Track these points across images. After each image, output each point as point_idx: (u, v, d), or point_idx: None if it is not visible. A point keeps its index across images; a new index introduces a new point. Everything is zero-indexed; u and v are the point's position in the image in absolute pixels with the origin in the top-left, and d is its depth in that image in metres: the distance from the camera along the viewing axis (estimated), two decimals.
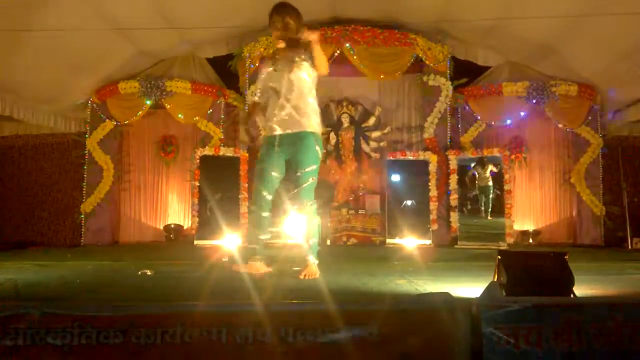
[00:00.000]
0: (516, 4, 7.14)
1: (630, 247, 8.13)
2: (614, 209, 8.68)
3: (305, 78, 3.59)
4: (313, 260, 3.77)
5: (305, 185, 3.65)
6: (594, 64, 8.10)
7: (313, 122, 3.63)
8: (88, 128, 8.89)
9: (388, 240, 8.20)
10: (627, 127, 9.28)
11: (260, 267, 3.79)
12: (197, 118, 8.74)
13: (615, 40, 7.20)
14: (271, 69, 3.69)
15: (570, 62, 8.22)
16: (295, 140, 3.61)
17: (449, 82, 8.61)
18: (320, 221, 3.82)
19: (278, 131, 3.63)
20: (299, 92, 3.58)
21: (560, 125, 8.90)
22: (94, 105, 8.84)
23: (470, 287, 3.15)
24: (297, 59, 3.56)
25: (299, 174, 3.64)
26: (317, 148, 3.62)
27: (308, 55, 3.55)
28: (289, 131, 3.61)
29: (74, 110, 9.05)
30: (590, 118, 8.76)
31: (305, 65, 3.57)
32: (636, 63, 7.40)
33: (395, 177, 8.54)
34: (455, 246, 8.04)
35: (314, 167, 3.64)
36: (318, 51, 3.50)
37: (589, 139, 8.79)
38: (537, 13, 7.02)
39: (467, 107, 8.86)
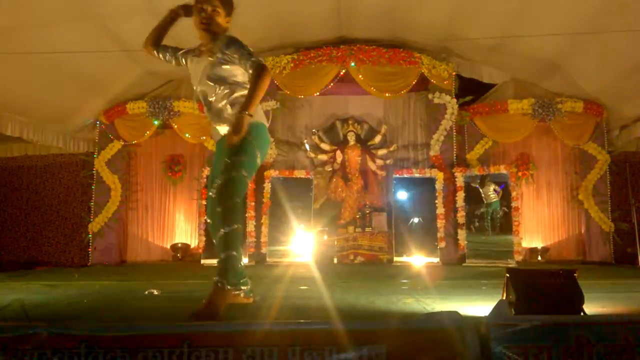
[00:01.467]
0: (520, 22, 7.19)
1: None
2: (623, 226, 8.61)
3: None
4: (221, 285, 2.82)
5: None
6: (600, 80, 8.11)
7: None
8: (96, 148, 8.97)
9: (395, 259, 8.15)
10: (634, 143, 9.25)
11: (243, 299, 3.16)
12: (204, 137, 8.81)
13: (620, 57, 7.22)
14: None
15: (575, 78, 8.24)
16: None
17: (454, 100, 8.63)
18: (238, 228, 2.90)
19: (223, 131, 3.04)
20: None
21: (566, 142, 8.88)
22: (102, 125, 8.94)
23: (479, 306, 3.13)
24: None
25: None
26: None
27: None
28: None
29: (83, 130, 9.16)
30: (596, 134, 8.74)
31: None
32: None
33: (402, 195, 8.52)
34: (463, 264, 7.98)
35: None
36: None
37: (596, 155, 8.77)
38: (541, 31, 7.06)
39: (473, 125, 8.87)
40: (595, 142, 8.78)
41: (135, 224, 9.35)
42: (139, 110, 8.69)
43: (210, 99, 3.02)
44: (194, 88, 3.13)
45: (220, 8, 3.03)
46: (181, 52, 3.33)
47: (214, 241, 3.03)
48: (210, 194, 2.95)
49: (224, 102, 2.98)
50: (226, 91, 2.99)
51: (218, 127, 3.04)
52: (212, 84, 3.01)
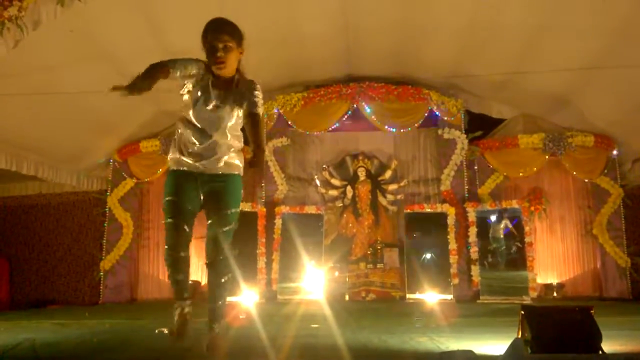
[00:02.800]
0: (528, 58, 7.26)
1: None
2: (639, 260, 8.45)
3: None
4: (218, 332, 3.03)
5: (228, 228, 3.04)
6: (610, 114, 8.11)
7: None
8: (109, 186, 9.07)
9: (408, 295, 8.03)
10: None
11: None
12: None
13: (630, 91, 7.23)
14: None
15: (585, 113, 8.26)
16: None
17: (464, 135, 8.67)
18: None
19: None
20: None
21: (578, 176, 8.83)
22: (116, 163, 9.06)
23: (494, 345, 3.06)
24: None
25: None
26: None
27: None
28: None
29: (96, 168, 9.28)
30: (608, 168, 8.69)
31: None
32: None
33: (414, 230, 8.47)
34: (477, 301, 7.84)
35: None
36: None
37: (609, 189, 8.68)
38: (549, 67, 7.13)
39: (484, 160, 8.86)
40: (607, 175, 8.70)
41: (147, 261, 9.35)
42: (152, 149, 8.81)
43: (212, 133, 2.84)
44: (190, 112, 2.90)
45: (232, 42, 2.83)
46: (184, 72, 2.91)
47: (173, 270, 3.12)
48: (186, 227, 3.06)
49: (224, 145, 2.86)
50: (234, 135, 2.91)
51: (196, 161, 2.86)
52: (226, 124, 2.87)
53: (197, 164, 2.85)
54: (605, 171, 8.68)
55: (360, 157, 9.06)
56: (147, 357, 2.97)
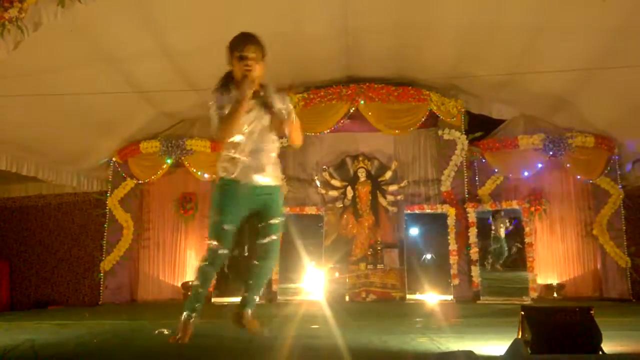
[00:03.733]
0: (528, 58, 7.26)
1: None
2: None
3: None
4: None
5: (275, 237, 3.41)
6: (610, 115, 8.12)
7: None
8: (109, 187, 9.07)
9: (408, 296, 8.03)
10: None
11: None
12: (215, 175, 8.87)
13: (630, 92, 7.23)
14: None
15: (585, 113, 8.26)
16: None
17: (464, 136, 8.68)
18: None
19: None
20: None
21: (578, 177, 8.83)
22: (116, 164, 9.06)
23: (494, 345, 3.06)
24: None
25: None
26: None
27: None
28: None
29: (96, 169, 9.29)
30: (609, 169, 8.69)
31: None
32: None
33: (414, 231, 8.47)
34: (478, 301, 7.84)
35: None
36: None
37: (609, 190, 8.68)
38: (550, 67, 7.12)
39: (484, 160, 8.87)
40: (608, 176, 8.70)
41: (147, 262, 9.36)
42: (152, 149, 8.81)
43: (262, 145, 3.16)
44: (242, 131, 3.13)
45: (259, 52, 3.10)
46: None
47: (201, 283, 3.33)
48: (229, 227, 3.22)
49: (272, 153, 3.21)
50: (275, 143, 3.24)
51: (255, 175, 3.15)
52: (270, 134, 3.18)
53: (246, 174, 3.13)
54: (606, 172, 8.68)
55: (361, 158, 9.06)
56: (147, 358, 2.97)
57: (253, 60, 3.04)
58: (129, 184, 9.02)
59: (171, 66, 7.30)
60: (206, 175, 8.91)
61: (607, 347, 2.64)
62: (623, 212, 8.65)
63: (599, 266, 8.74)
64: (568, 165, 8.61)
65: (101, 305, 8.32)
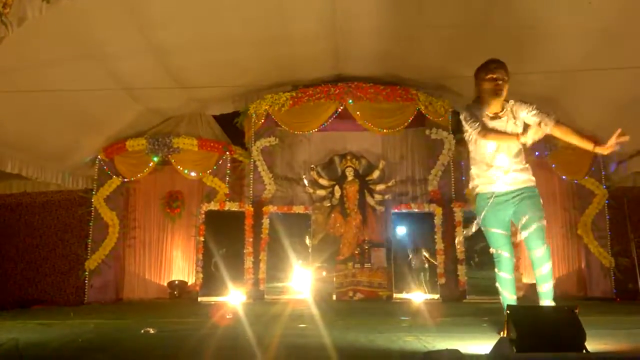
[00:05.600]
0: (515, 59, 7.27)
1: None
2: (623, 261, 8.55)
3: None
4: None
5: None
6: (596, 115, 8.19)
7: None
8: (95, 185, 8.98)
9: (395, 295, 8.05)
10: (631, 178, 9.27)
11: None
12: (202, 173, 8.84)
13: (615, 93, 7.33)
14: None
15: (571, 114, 8.32)
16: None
17: (452, 136, 8.72)
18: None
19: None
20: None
21: (564, 177, 8.91)
22: (102, 162, 8.98)
23: (480, 344, 3.08)
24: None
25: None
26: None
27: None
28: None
29: (82, 167, 9.19)
30: (593, 169, 8.78)
31: None
32: (636, 115, 7.49)
33: (401, 230, 8.49)
34: (464, 300, 7.88)
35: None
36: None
37: (594, 190, 8.78)
38: (536, 68, 7.18)
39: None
40: (592, 177, 8.81)
41: (133, 261, 9.29)
42: (138, 147, 8.74)
43: (510, 157, 3.63)
44: (486, 148, 3.68)
45: (507, 76, 3.61)
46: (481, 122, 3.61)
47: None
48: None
49: (519, 164, 3.68)
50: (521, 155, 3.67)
51: (504, 184, 3.64)
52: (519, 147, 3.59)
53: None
54: (591, 172, 8.77)
55: (349, 157, 9.07)
56: (133, 357, 2.95)
57: (503, 82, 3.58)
58: (115, 182, 8.93)
59: (158, 63, 7.26)
60: (193, 174, 8.87)
61: (591, 345, 2.67)
62: (607, 212, 8.76)
63: (583, 266, 8.84)
64: (553, 165, 8.69)
65: (86, 305, 8.24)
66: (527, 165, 3.76)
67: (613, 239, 8.72)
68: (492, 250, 3.75)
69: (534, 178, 3.76)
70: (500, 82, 3.56)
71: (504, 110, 3.65)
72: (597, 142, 3.61)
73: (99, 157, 8.99)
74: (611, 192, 8.85)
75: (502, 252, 3.71)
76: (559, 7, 6.04)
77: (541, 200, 3.73)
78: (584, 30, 6.28)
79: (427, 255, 8.28)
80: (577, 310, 2.80)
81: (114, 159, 8.92)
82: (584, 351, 2.59)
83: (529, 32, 6.61)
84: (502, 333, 3.07)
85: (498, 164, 3.64)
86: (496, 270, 3.75)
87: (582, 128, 8.47)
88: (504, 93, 3.60)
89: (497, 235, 3.72)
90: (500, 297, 3.76)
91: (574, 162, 8.71)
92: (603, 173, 8.88)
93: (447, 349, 2.50)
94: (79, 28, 6.04)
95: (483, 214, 3.67)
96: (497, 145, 3.63)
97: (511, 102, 3.66)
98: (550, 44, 6.71)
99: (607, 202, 8.77)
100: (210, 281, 8.06)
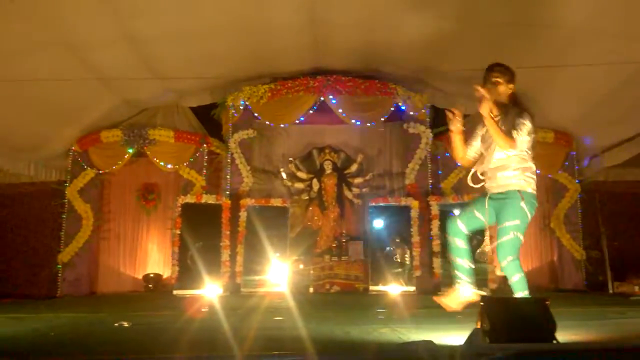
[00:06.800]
0: (493, 54, 7.31)
1: (611, 291, 8.16)
2: (594, 253, 8.75)
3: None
4: None
5: (504, 239, 3.63)
6: (569, 111, 8.34)
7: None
8: (68, 177, 8.81)
9: (371, 287, 8.12)
10: (603, 173, 9.47)
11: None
12: (179, 165, 8.74)
13: (588, 89, 7.45)
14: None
15: (546, 110, 8.45)
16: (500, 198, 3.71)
17: (429, 130, 8.78)
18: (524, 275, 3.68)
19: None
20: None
21: (537, 171, 9.05)
22: (76, 153, 8.80)
23: (454, 335, 3.12)
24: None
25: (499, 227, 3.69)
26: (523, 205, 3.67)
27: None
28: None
29: (55, 158, 9.00)
30: (567, 164, 8.95)
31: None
32: (609, 111, 7.66)
33: (378, 223, 8.54)
34: (439, 293, 7.95)
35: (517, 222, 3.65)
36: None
37: (567, 185, 8.95)
38: (513, 63, 7.23)
39: (447, 154, 8.99)
40: (565, 171, 8.97)
41: (107, 254, 9.15)
42: (113, 139, 8.60)
43: (501, 161, 3.71)
44: (482, 150, 3.83)
45: (501, 78, 3.70)
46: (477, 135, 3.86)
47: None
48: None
49: (511, 167, 3.72)
50: (516, 159, 3.72)
51: (492, 185, 3.74)
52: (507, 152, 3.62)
53: None
54: (564, 167, 8.93)
55: (327, 150, 9.07)
56: (106, 351, 2.91)
57: (494, 84, 3.70)
58: (89, 173, 8.78)
59: (134, 53, 7.12)
60: (169, 166, 8.77)
61: (561, 336, 2.72)
62: (579, 206, 8.95)
63: (555, 258, 9.01)
64: None
65: (59, 298, 8.11)
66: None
67: (585, 233, 8.91)
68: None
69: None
70: (489, 86, 3.68)
71: (500, 112, 3.70)
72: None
73: (72, 148, 8.82)
74: (583, 187, 9.03)
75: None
76: (536, 3, 6.11)
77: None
78: (561, 26, 6.35)
79: (403, 248, 8.35)
80: (548, 302, 2.85)
81: (89, 151, 8.76)
82: (555, 342, 2.64)
83: (507, 29, 6.66)
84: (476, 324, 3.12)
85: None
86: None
87: (555, 124, 8.69)
88: (497, 95, 3.69)
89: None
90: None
91: (548, 157, 8.84)
92: (576, 167, 9.05)
93: (421, 340, 2.52)
94: (50, 15, 5.89)
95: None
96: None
97: (515, 109, 3.70)
98: (526, 40, 6.78)
99: (579, 196, 8.95)
100: (186, 274, 8.00)
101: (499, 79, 3.68)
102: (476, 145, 3.87)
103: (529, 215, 3.63)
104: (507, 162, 3.68)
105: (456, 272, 3.76)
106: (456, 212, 8.49)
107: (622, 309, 5.33)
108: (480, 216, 3.77)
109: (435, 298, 3.86)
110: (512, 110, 3.65)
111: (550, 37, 6.60)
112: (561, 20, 6.23)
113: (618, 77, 6.87)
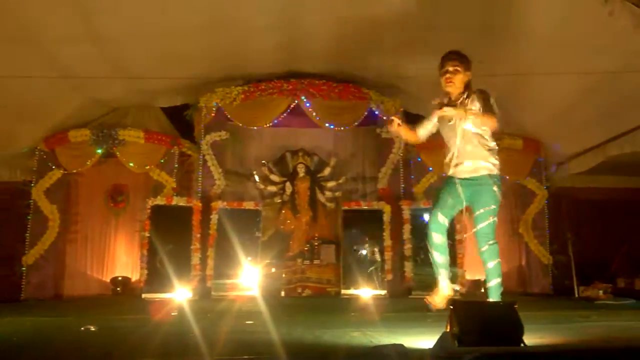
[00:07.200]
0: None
1: (577, 295, 8.35)
2: (561, 258, 8.94)
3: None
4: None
5: (483, 224, 3.68)
6: (537, 119, 8.52)
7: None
8: (34, 177, 8.57)
9: (343, 291, 8.13)
10: (569, 179, 9.69)
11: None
12: (149, 167, 8.60)
13: (556, 97, 7.62)
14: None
15: (515, 117, 8.62)
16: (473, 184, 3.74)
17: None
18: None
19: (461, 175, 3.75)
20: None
21: (506, 177, 9.22)
22: (42, 153, 8.58)
23: (424, 339, 3.14)
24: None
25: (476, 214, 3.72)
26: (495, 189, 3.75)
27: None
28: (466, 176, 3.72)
29: (20, 157, 8.75)
30: (535, 170, 9.14)
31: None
32: (575, 120, 7.85)
33: (350, 227, 8.57)
34: (410, 296, 8.04)
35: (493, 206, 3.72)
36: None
37: (535, 190, 9.14)
38: (484, 71, 7.35)
39: (420, 159, 9.08)
40: (533, 177, 9.16)
41: (74, 256, 8.93)
42: (81, 138, 8.41)
43: (467, 146, 3.75)
44: (447, 137, 3.87)
45: (460, 66, 3.77)
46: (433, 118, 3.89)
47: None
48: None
49: (478, 148, 3.74)
50: (483, 142, 3.76)
51: (460, 168, 3.77)
52: (472, 133, 3.70)
53: None
54: (532, 173, 9.12)
55: (300, 154, 9.06)
56: (72, 356, 2.84)
57: (453, 72, 3.76)
58: (56, 174, 8.56)
59: (102, 51, 6.97)
60: (139, 167, 8.61)
61: (529, 339, 2.77)
62: (547, 211, 9.14)
63: (523, 263, 9.18)
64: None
65: (23, 302, 7.88)
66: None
67: (551, 238, 9.09)
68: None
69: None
70: (449, 74, 3.73)
71: (462, 98, 3.75)
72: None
73: (38, 147, 8.59)
74: (551, 193, 9.23)
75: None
76: (506, 11, 6.22)
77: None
78: (529, 36, 6.49)
79: (375, 251, 8.40)
80: (516, 306, 2.90)
81: (56, 150, 8.55)
82: (522, 344, 2.69)
83: (479, 36, 6.77)
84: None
85: None
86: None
87: (524, 130, 8.86)
88: (457, 83, 3.75)
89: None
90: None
91: (516, 163, 9.02)
92: (544, 174, 9.24)
93: (392, 344, 2.53)
94: (13, 9, 5.72)
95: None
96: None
97: (474, 91, 3.77)
98: (498, 47, 6.90)
99: (546, 202, 9.15)
100: (155, 277, 7.88)
101: (458, 67, 3.74)
102: (428, 126, 3.97)
103: (500, 197, 3.78)
104: (475, 147, 3.74)
105: (435, 268, 3.84)
106: (426, 216, 8.60)
107: (587, 312, 5.47)
108: (455, 202, 3.79)
109: (425, 299, 3.90)
110: (472, 93, 3.73)
111: (519, 45, 6.73)
112: (529, 30, 6.37)
113: (584, 86, 7.05)
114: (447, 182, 3.88)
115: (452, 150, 3.79)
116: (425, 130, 3.97)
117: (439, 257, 3.80)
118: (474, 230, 3.75)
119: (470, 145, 3.72)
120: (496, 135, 8.84)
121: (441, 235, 3.80)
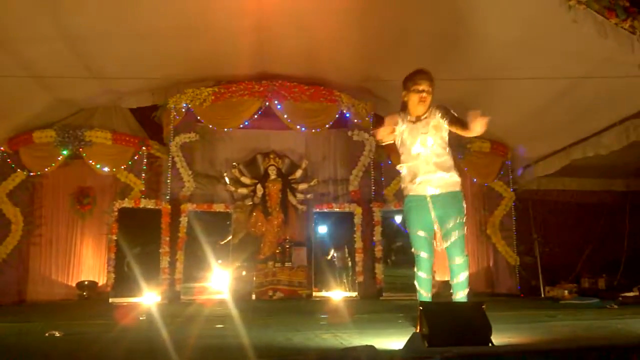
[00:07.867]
0: (434, 65, 7.49)
1: (543, 295, 8.54)
2: (527, 259, 9.13)
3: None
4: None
5: (456, 238, 3.75)
6: (505, 122, 8.66)
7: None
8: None
9: (314, 294, 8.13)
10: (535, 182, 9.93)
11: None
12: (116, 169, 8.44)
13: (523, 101, 7.79)
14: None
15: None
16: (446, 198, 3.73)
17: (372, 137, 8.90)
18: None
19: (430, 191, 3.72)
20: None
21: (475, 180, 9.38)
22: (5, 154, 8.33)
23: (394, 340, 3.16)
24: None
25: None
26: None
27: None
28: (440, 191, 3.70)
29: None
30: (502, 173, 9.32)
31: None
32: (542, 123, 8.04)
33: (322, 229, 8.58)
34: (381, 298, 8.09)
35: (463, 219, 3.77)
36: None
37: (502, 193, 9.32)
38: (453, 75, 7.48)
39: (390, 162, 9.14)
40: (501, 180, 9.34)
41: (38, 260, 8.68)
42: (46, 139, 8.19)
43: (431, 159, 3.74)
44: (410, 150, 3.83)
45: (432, 86, 3.83)
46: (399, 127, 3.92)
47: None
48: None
49: (440, 162, 3.72)
50: (443, 154, 3.76)
51: (428, 186, 3.73)
52: (434, 148, 3.74)
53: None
54: (499, 175, 9.29)
55: (272, 156, 9.01)
56: None
57: (427, 94, 3.79)
58: (19, 175, 8.32)
59: (70, 50, 6.82)
60: (106, 169, 8.44)
61: (496, 339, 2.81)
62: (514, 213, 9.33)
63: (491, 264, 9.35)
64: (465, 168, 9.12)
65: None
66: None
67: (518, 239, 9.29)
68: (413, 250, 3.90)
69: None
70: (424, 94, 3.77)
71: (426, 113, 3.83)
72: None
73: (1, 148, 8.34)
74: (518, 195, 9.43)
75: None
76: (474, 18, 6.33)
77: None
78: (499, 41, 6.61)
79: (346, 253, 8.43)
80: (484, 306, 2.94)
81: (19, 151, 8.30)
82: (490, 344, 2.73)
83: (450, 40, 6.87)
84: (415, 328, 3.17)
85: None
86: (415, 269, 3.94)
87: (491, 134, 9.02)
88: (428, 103, 3.82)
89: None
90: (418, 295, 3.91)
91: (484, 166, 9.19)
92: (511, 177, 9.44)
93: (362, 345, 2.53)
94: None
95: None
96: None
97: (434, 106, 3.85)
98: (469, 53, 7.02)
99: (513, 204, 9.34)
100: (123, 282, 7.73)
101: (431, 88, 3.82)
102: (391, 135, 3.97)
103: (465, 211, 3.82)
104: (442, 160, 3.76)
105: (418, 286, 3.95)
106: (398, 219, 8.67)
107: (553, 312, 5.59)
108: (426, 223, 3.80)
109: None
110: (434, 109, 3.83)
111: (485, 51, 6.86)
112: (491, 37, 6.49)
113: (551, 91, 7.23)
114: (411, 204, 3.83)
115: (412, 170, 3.79)
116: (389, 137, 3.99)
117: (424, 275, 3.99)
118: (446, 245, 3.87)
119: (434, 160, 3.75)
120: (466, 139, 9.06)
121: (426, 253, 3.90)
